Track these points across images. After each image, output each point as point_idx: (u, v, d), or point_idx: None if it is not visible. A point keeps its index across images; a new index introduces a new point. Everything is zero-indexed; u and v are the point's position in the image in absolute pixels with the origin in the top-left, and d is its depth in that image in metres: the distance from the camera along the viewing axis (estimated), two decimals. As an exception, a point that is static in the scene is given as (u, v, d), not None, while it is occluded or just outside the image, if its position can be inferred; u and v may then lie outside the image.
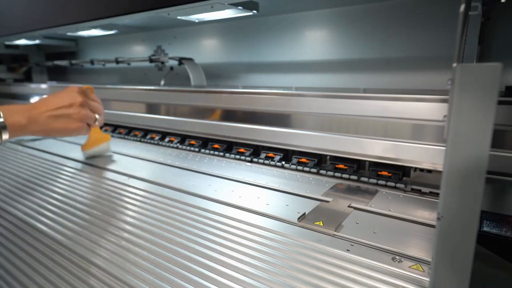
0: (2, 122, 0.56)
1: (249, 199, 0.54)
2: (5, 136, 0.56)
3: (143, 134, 1.00)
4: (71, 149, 0.89)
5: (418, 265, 0.36)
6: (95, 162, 0.77)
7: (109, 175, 0.69)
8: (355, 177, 0.62)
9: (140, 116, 0.99)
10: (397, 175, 0.59)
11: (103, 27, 1.14)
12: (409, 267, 0.36)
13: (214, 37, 1.14)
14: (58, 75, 1.87)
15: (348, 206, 0.51)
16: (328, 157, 0.68)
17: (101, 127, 0.80)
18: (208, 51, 1.16)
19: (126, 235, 0.46)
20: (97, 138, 0.79)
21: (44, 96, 0.65)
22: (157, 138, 0.95)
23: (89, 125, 0.68)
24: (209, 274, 0.37)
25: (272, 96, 0.71)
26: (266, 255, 0.39)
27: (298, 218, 0.46)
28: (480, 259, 0.30)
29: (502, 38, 0.65)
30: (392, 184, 0.58)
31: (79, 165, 0.76)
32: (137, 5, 0.77)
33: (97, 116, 0.68)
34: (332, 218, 0.47)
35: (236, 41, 1.09)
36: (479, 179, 0.25)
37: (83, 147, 0.78)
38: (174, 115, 0.91)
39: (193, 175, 0.67)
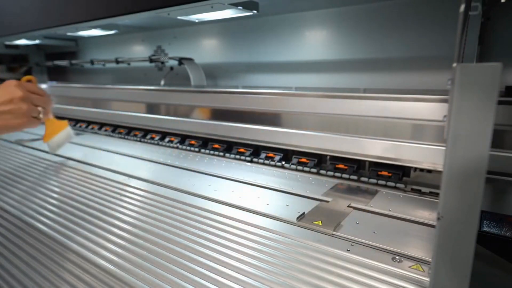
0: None
1: (249, 199, 0.54)
2: None
3: (143, 134, 1.00)
4: (72, 149, 0.89)
5: (418, 265, 0.36)
6: (95, 162, 0.77)
7: (109, 175, 0.69)
8: (355, 177, 0.62)
9: (140, 116, 0.99)
10: (397, 175, 0.59)
11: (103, 27, 1.14)
12: (409, 267, 0.36)
13: (214, 37, 1.14)
14: (58, 75, 1.87)
15: (348, 206, 0.51)
16: (328, 157, 0.68)
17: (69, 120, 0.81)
18: (208, 51, 1.16)
19: (126, 235, 0.46)
20: (54, 128, 0.78)
21: None
22: (157, 138, 0.95)
23: (37, 118, 0.65)
24: (209, 274, 0.37)
25: (272, 96, 0.71)
26: (266, 255, 0.39)
27: (297, 218, 0.46)
28: (480, 259, 0.30)
29: (502, 38, 0.65)
30: (392, 184, 0.58)
31: (79, 165, 0.76)
32: (137, 5, 0.77)
33: (40, 108, 0.66)
34: (331, 218, 0.47)
35: (236, 41, 1.09)
36: (479, 179, 0.25)
37: (44, 139, 0.78)
38: (174, 115, 0.91)
39: (193, 175, 0.67)
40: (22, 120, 0.61)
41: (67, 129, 0.81)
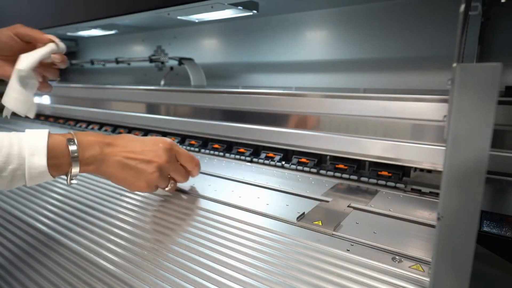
0: (75, 155, 0.42)
1: (249, 199, 0.54)
2: (75, 169, 0.43)
3: (143, 134, 1.00)
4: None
5: (418, 265, 0.36)
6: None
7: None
8: (355, 177, 0.62)
9: (140, 116, 0.99)
10: (397, 175, 0.59)
11: (103, 27, 1.14)
12: (409, 267, 0.36)
13: (214, 37, 1.14)
14: (58, 75, 1.86)
15: (348, 206, 0.51)
16: (328, 157, 0.68)
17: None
18: (208, 51, 1.16)
19: (125, 235, 0.46)
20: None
21: (127, 134, 0.52)
22: (157, 138, 0.95)
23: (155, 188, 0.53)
24: (209, 274, 0.37)
25: (272, 96, 0.71)
26: (266, 255, 0.39)
27: (297, 218, 0.46)
28: (480, 259, 0.30)
29: (502, 38, 0.65)
30: (392, 184, 0.58)
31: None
32: (137, 5, 0.77)
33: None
34: (331, 218, 0.47)
35: (236, 41, 1.09)
36: (479, 179, 0.25)
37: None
38: (174, 115, 0.91)
39: (193, 175, 0.67)
40: (144, 185, 0.49)
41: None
